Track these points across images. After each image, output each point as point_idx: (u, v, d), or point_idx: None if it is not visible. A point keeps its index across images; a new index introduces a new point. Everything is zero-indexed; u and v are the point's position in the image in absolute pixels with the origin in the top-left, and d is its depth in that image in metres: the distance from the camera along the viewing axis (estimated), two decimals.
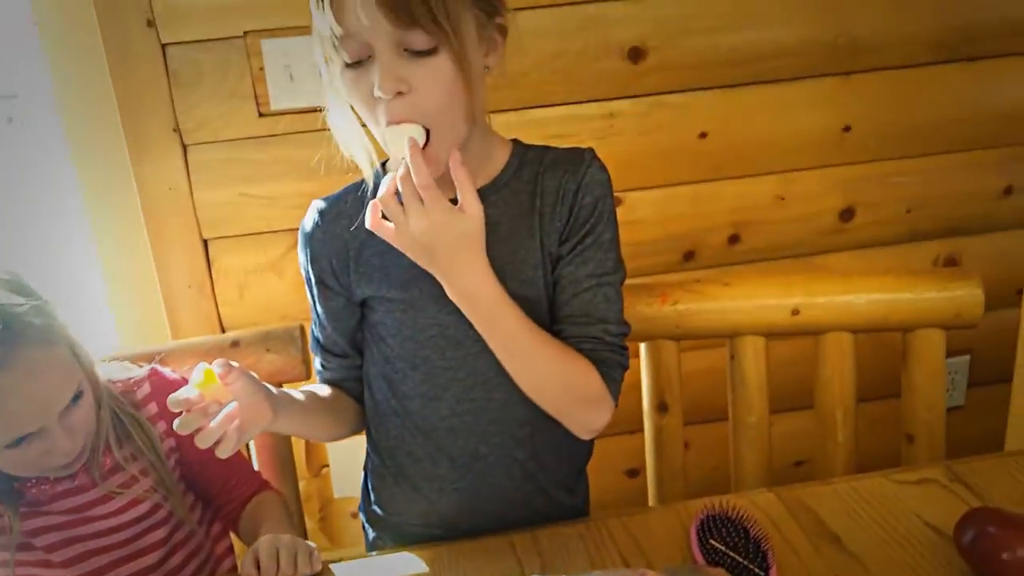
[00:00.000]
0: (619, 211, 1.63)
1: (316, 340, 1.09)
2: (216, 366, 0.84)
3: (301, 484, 1.31)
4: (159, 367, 1.09)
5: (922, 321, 1.10)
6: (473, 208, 0.88)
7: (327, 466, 1.68)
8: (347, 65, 0.88)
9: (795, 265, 1.66)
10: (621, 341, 1.00)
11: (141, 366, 1.09)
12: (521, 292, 0.96)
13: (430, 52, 0.86)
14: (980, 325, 1.19)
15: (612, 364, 0.98)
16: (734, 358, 1.17)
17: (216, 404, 0.84)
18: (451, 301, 0.93)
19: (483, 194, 0.97)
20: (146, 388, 1.06)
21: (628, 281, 1.16)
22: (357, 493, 1.70)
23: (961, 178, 1.65)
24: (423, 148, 0.87)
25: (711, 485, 1.53)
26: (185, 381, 1.08)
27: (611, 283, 0.99)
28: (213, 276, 1.53)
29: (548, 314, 1.00)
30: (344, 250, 1.02)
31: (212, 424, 0.83)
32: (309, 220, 1.04)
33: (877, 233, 1.67)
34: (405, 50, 0.86)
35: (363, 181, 1.03)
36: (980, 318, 1.09)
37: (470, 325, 0.94)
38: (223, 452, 0.83)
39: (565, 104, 1.54)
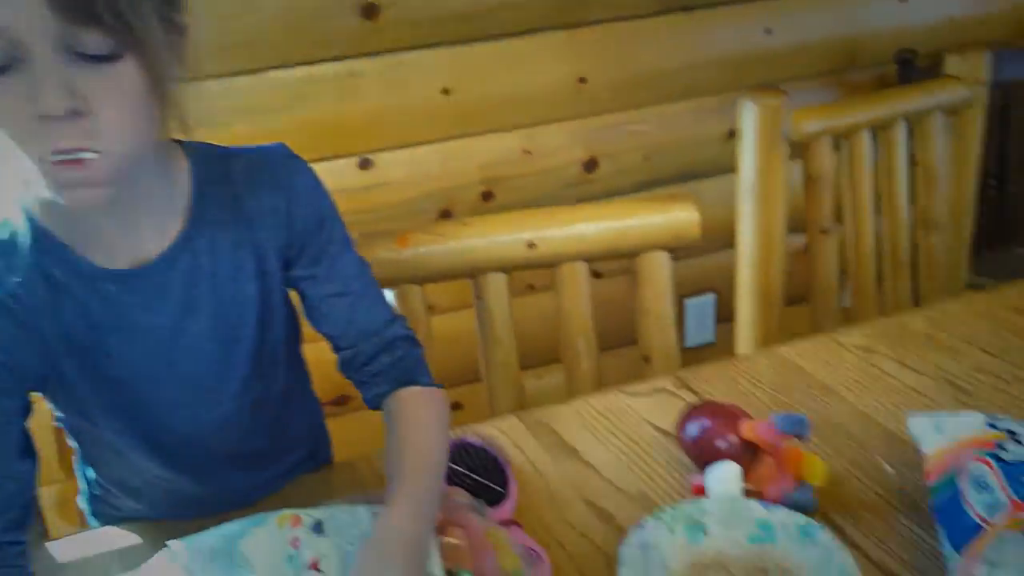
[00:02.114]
0: (369, 174, 1.64)
1: None
2: None
3: (55, 488, 1.20)
4: None
5: (647, 244, 1.16)
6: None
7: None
8: None
9: None
10: (408, 325, 0.93)
11: None
12: (233, 334, 0.86)
13: (109, 58, 0.66)
14: (720, 265, 1.25)
15: (418, 360, 0.90)
16: (480, 298, 1.18)
17: None
18: None
19: (187, 239, 0.81)
20: None
21: (369, 229, 1.15)
22: None
23: (690, 124, 1.76)
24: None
25: None
26: None
27: (369, 280, 0.92)
28: None
29: (266, 342, 0.88)
30: None
31: None
32: None
33: (620, 182, 1.76)
34: (76, 53, 0.65)
35: None
36: (698, 237, 1.16)
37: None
38: None
39: (304, 64, 1.51)
